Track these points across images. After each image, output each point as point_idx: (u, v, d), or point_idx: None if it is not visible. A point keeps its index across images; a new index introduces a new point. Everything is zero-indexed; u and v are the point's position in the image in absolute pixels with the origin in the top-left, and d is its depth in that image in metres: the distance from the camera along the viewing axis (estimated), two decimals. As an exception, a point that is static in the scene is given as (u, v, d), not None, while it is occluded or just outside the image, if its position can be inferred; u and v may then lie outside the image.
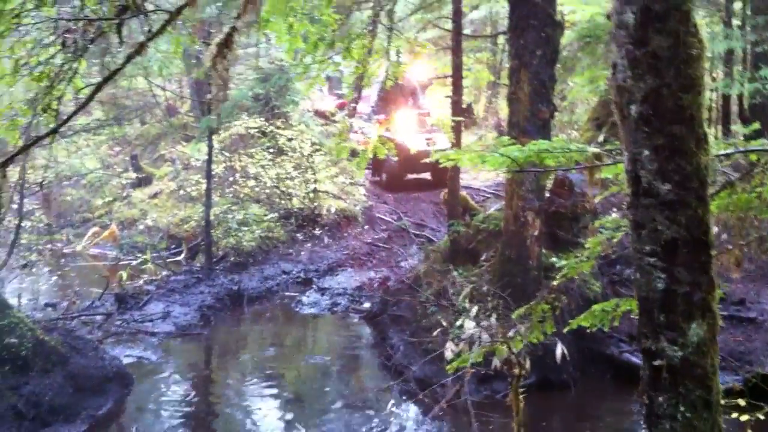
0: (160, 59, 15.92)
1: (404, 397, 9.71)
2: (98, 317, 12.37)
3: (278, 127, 17.58)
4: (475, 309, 8.27)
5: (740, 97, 14.88)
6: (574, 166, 4.31)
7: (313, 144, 17.78)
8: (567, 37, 11.99)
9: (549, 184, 11.02)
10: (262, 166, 16.92)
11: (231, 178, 16.91)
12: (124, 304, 12.81)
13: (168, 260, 15.56)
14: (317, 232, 16.46)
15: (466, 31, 17.97)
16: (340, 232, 16.77)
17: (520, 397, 5.41)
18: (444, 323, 9.37)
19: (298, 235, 16.32)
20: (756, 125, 4.81)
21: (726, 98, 15.51)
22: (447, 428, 8.98)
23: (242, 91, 18.41)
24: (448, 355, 6.98)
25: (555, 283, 5.62)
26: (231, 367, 11.47)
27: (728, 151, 4.06)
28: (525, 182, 9.80)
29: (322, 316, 13.39)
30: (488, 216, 12.13)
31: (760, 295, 11.30)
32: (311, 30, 6.31)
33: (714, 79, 14.30)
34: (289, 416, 9.59)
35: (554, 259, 9.38)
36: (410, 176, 19.10)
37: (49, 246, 14.45)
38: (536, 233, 10.02)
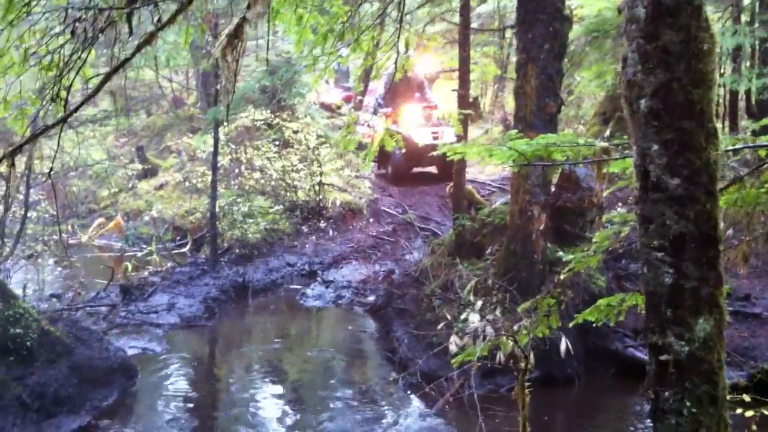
0: (168, 51, 15.94)
1: (409, 391, 9.73)
2: (103, 308, 12.39)
3: (284, 120, 17.56)
4: (479, 303, 8.27)
5: (748, 93, 14.85)
6: (582, 160, 4.31)
7: (319, 137, 17.75)
8: (574, 32, 11.94)
9: (555, 178, 11.00)
10: (268, 159, 16.91)
11: (237, 170, 16.91)
12: (129, 296, 12.83)
13: (173, 252, 15.58)
14: (322, 224, 16.46)
15: (474, 24, 17.91)
16: (345, 224, 16.76)
17: (526, 391, 5.40)
18: (449, 317, 9.35)
19: (303, 227, 16.32)
20: (765, 121, 4.78)
21: (733, 94, 15.47)
22: (452, 422, 9.00)
23: (249, 83, 18.40)
24: (453, 348, 6.98)
25: (561, 277, 5.62)
26: (235, 359, 11.49)
27: (737, 146, 4.05)
28: (531, 176, 9.78)
29: (326, 309, 13.41)
30: (494, 210, 12.11)
31: (766, 291, 11.28)
32: (321, 21, 6.30)
33: (722, 75, 14.24)
34: (293, 408, 9.62)
35: (560, 254, 9.37)
36: (417, 169, 19.07)
37: (54, 237, 14.46)
38: (542, 227, 10.01)
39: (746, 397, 5.90)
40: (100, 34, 3.95)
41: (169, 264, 14.68)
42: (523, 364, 5.36)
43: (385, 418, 9.09)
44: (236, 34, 3.75)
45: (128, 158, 20.26)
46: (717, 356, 2.92)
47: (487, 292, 9.78)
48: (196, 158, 18.54)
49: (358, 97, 20.10)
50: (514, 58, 12.69)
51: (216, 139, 14.55)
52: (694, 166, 2.84)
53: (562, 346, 6.48)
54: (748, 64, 14.92)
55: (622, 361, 9.94)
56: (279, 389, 10.22)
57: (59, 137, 4.32)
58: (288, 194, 16.76)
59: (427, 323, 10.37)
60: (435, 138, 17.22)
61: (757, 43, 14.15)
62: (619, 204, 12.16)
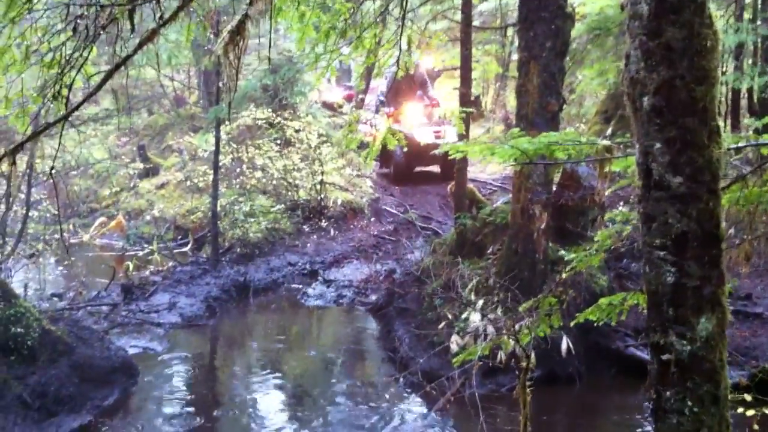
0: (170, 49, 15.94)
1: (410, 390, 9.72)
2: (104, 308, 12.38)
3: (286, 119, 17.56)
4: (481, 302, 8.27)
5: (749, 90, 14.83)
6: (584, 158, 4.29)
7: (320, 135, 17.75)
8: (576, 30, 11.93)
9: (557, 177, 10.99)
10: (270, 158, 16.91)
11: (238, 169, 16.91)
12: (131, 295, 12.83)
13: (174, 251, 15.58)
14: (324, 224, 16.46)
15: (476, 22, 17.89)
16: (347, 224, 16.76)
17: (527, 390, 5.39)
18: (450, 316, 9.35)
19: (305, 226, 16.32)
20: (767, 119, 4.76)
21: (735, 92, 15.46)
22: (453, 421, 8.99)
23: (251, 81, 18.41)
24: (454, 347, 6.98)
25: (563, 276, 5.61)
26: (236, 359, 11.49)
27: (739, 144, 4.04)
28: (533, 175, 9.77)
29: (327, 308, 13.41)
30: (495, 209, 12.10)
31: (767, 290, 11.28)
32: (323, 19, 6.29)
33: (724, 73, 14.23)
34: (293, 408, 9.61)
35: (562, 253, 9.36)
36: (419, 168, 19.06)
37: (55, 236, 14.46)
38: (543, 226, 10.00)
39: (747, 397, 5.90)
40: (101, 32, 3.94)
41: (170, 263, 14.68)
42: (524, 364, 5.35)
43: (385, 417, 9.08)
44: (238, 32, 3.74)
45: (130, 157, 20.26)
46: (719, 355, 2.91)
47: (489, 292, 9.77)
48: (197, 157, 18.56)
49: (360, 96, 20.09)
50: (515, 57, 12.71)
51: (217, 138, 14.55)
52: (696, 165, 2.83)
53: (564, 346, 6.48)
54: (750, 61, 14.91)
55: (623, 360, 9.93)
56: (280, 388, 10.21)
57: (60, 136, 4.31)
58: (289, 193, 16.77)
59: (428, 322, 10.36)
60: (437, 137, 17.21)
61: (759, 40, 14.14)
62: (621, 203, 12.15)
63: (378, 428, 8.81)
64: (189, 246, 15.89)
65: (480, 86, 24.27)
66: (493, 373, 9.02)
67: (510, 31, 20.37)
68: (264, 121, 17.48)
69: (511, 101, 20.08)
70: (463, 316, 8.41)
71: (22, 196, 13.90)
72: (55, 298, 12.66)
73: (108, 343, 10.09)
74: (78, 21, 4.00)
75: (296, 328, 12.97)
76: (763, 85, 13.42)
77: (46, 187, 16.37)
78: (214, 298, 13.10)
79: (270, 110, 17.53)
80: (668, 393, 2.92)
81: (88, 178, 20.02)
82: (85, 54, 4.03)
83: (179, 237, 16.53)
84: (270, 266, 14.75)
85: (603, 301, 5.06)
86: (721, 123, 3.13)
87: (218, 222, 14.61)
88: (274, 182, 16.85)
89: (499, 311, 8.04)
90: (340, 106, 22.82)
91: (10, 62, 4.42)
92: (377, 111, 17.78)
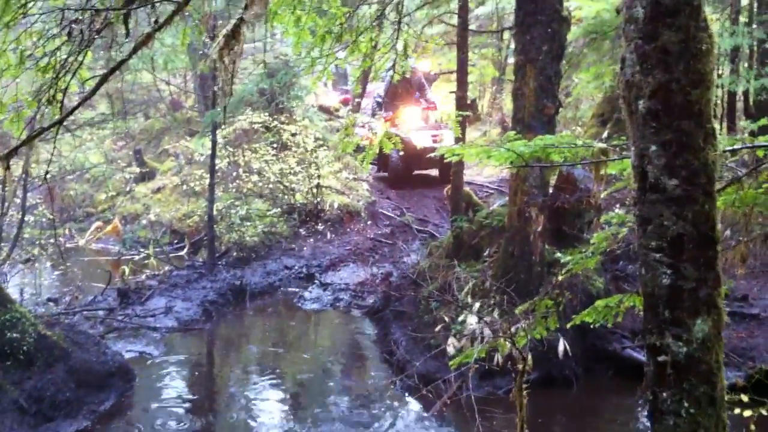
0: (166, 53, 15.93)
1: (406, 393, 9.71)
2: (101, 312, 12.36)
3: (282, 122, 17.55)
4: (477, 305, 8.27)
5: (745, 93, 14.86)
6: (581, 161, 4.30)
7: (317, 139, 17.74)
8: (572, 33, 11.95)
9: (553, 180, 11.00)
10: (266, 161, 16.89)
11: (234, 173, 16.90)
12: (127, 299, 12.80)
13: (171, 255, 15.56)
14: (320, 227, 16.45)
15: (472, 26, 17.90)
16: (343, 227, 16.75)
17: (524, 393, 5.39)
18: (446, 319, 9.36)
19: (301, 230, 16.32)
20: (763, 121, 4.77)
21: (732, 95, 15.48)
22: (449, 424, 8.98)
23: (247, 85, 18.40)
24: (451, 350, 6.98)
25: (559, 278, 5.61)
26: (233, 362, 11.48)
27: (735, 147, 4.04)
28: (529, 178, 9.78)
29: (324, 312, 13.40)
30: (492, 212, 12.11)
31: (764, 291, 11.29)
32: (319, 23, 6.29)
33: (720, 76, 14.25)
34: (290, 411, 9.60)
35: (558, 255, 9.37)
36: (416, 172, 19.05)
37: (51, 240, 14.43)
38: (540, 229, 10.00)
39: (744, 398, 5.90)
40: (96, 36, 3.93)
41: (166, 267, 14.66)
42: (521, 366, 5.35)
43: (382, 420, 9.07)
44: (233, 36, 3.74)
45: (126, 161, 20.22)
46: (715, 357, 2.91)
47: (485, 294, 9.77)
48: (193, 161, 18.54)
49: (356, 100, 20.09)
50: (512, 60, 12.68)
51: (214, 142, 14.55)
52: (692, 167, 2.83)
53: (560, 348, 6.49)
54: (746, 64, 14.93)
55: (620, 362, 9.93)
56: (277, 392, 10.21)
57: (56, 140, 4.30)
58: (286, 197, 16.76)
59: (425, 325, 10.37)
60: (435, 141, 17.21)
61: (755, 43, 14.16)
62: (617, 205, 12.16)
63: (374, 431, 8.80)
64: (185, 250, 15.87)
65: (477, 89, 24.27)
66: (489, 375, 9.02)
67: (506, 35, 20.37)
68: (260, 124, 17.46)
69: (508, 104, 20.11)
70: (460, 318, 8.43)
71: (18, 200, 13.88)
72: (51, 303, 12.63)
73: (104, 347, 10.07)
74: (73, 25, 4.00)
75: (293, 331, 12.95)
76: (759, 88, 13.45)
77: (41, 191, 16.35)
78: (210, 302, 13.09)
79: (266, 114, 17.51)
80: (665, 395, 2.92)
81: (84, 183, 19.97)
82: (80, 58, 4.02)
83: (175, 241, 16.50)
84: (266, 270, 14.74)
85: (599, 303, 5.06)
86: (717, 125, 3.14)
87: (215, 226, 14.60)
88: (271, 186, 16.83)
89: (495, 314, 8.04)
90: (337, 110, 22.80)
91: (5, 66, 4.42)
92: (374, 114, 17.76)
